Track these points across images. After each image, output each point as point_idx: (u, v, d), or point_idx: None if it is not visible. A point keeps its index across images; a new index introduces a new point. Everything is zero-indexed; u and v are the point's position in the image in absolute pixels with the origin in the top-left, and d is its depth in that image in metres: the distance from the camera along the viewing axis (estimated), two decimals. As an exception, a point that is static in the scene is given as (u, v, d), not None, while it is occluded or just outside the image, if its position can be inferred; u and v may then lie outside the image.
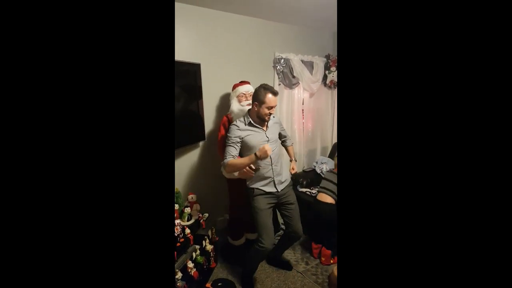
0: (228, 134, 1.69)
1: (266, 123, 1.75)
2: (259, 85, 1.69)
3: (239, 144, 1.68)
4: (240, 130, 1.68)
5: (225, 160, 1.63)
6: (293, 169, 1.93)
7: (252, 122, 1.71)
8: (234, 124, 1.70)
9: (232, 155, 1.63)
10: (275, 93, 1.65)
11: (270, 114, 1.67)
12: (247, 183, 1.81)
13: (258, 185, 1.75)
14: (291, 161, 2.00)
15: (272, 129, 1.80)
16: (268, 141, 1.73)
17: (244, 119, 1.74)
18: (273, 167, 1.75)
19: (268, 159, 1.71)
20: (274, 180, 1.75)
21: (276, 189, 1.76)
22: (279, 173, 1.78)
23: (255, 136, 1.70)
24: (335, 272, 1.18)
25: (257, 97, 1.65)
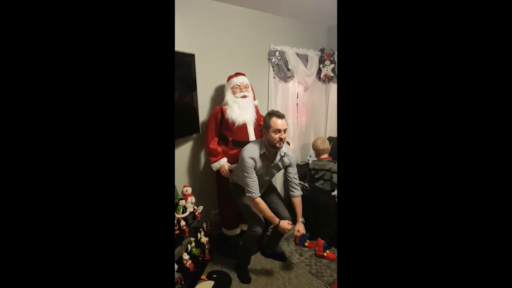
0: (244, 163, 1.67)
1: (275, 155, 1.75)
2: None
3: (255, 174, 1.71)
4: (255, 161, 1.68)
5: (254, 195, 1.67)
6: (298, 231, 1.77)
7: (266, 153, 1.71)
8: (251, 158, 1.67)
9: (257, 190, 1.69)
10: (280, 116, 1.63)
11: (281, 139, 1.63)
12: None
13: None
14: (297, 220, 1.81)
15: (277, 166, 1.81)
16: (266, 174, 1.79)
17: (259, 149, 1.70)
18: (261, 190, 1.83)
19: (261, 183, 1.79)
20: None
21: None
22: (264, 190, 1.90)
23: (260, 170, 1.74)
24: None
25: (264, 123, 1.68)
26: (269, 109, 1.83)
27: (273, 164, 1.77)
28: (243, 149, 1.73)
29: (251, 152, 1.68)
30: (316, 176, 2.25)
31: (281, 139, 1.63)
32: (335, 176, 2.18)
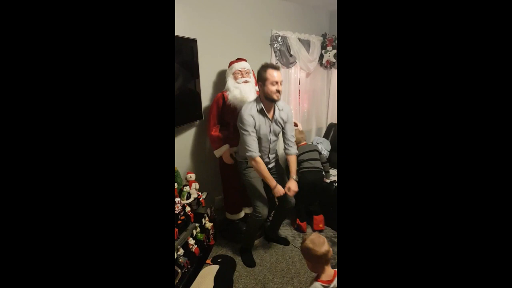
0: (243, 121, 1.65)
1: (273, 109, 1.74)
2: (260, 65, 1.68)
3: (256, 134, 1.68)
4: (254, 118, 1.66)
5: (254, 154, 1.66)
6: (289, 189, 1.75)
7: (263, 108, 1.69)
8: (248, 113, 1.65)
9: (257, 149, 1.68)
10: (275, 68, 1.63)
11: (278, 91, 1.63)
12: (240, 155, 1.87)
13: None
14: (288, 178, 1.82)
15: (278, 121, 1.79)
16: (270, 132, 1.76)
17: (256, 105, 1.69)
18: (269, 155, 1.83)
19: (266, 149, 1.79)
20: (266, 162, 1.83)
21: (268, 167, 1.84)
22: (271, 160, 1.88)
23: (263, 128, 1.71)
24: (307, 242, 1.16)
25: (260, 77, 1.65)
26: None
27: (273, 120, 1.75)
28: (240, 110, 1.72)
29: (249, 109, 1.67)
30: (305, 159, 2.32)
31: (278, 91, 1.63)
32: (321, 156, 2.41)
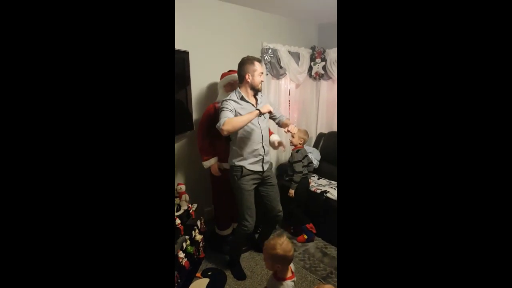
0: (222, 104, 1.65)
1: (256, 99, 1.75)
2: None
3: (234, 113, 1.63)
4: (234, 102, 1.66)
5: (221, 121, 1.53)
6: (286, 125, 1.70)
7: (244, 96, 1.70)
8: (228, 99, 1.66)
9: (227, 116, 1.57)
10: (259, 60, 1.71)
11: (262, 81, 1.71)
12: (234, 160, 1.77)
13: (246, 163, 1.74)
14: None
15: (262, 106, 1.75)
16: (258, 121, 1.72)
17: (235, 94, 1.71)
18: (263, 145, 1.77)
19: (259, 137, 1.73)
20: (263, 159, 1.77)
21: (263, 168, 1.79)
22: (266, 153, 1.81)
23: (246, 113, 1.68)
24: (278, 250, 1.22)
25: (247, 68, 1.67)
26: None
27: (257, 106, 1.72)
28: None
29: (228, 97, 1.69)
30: (306, 164, 2.33)
31: (262, 82, 1.71)
32: (310, 159, 2.43)
